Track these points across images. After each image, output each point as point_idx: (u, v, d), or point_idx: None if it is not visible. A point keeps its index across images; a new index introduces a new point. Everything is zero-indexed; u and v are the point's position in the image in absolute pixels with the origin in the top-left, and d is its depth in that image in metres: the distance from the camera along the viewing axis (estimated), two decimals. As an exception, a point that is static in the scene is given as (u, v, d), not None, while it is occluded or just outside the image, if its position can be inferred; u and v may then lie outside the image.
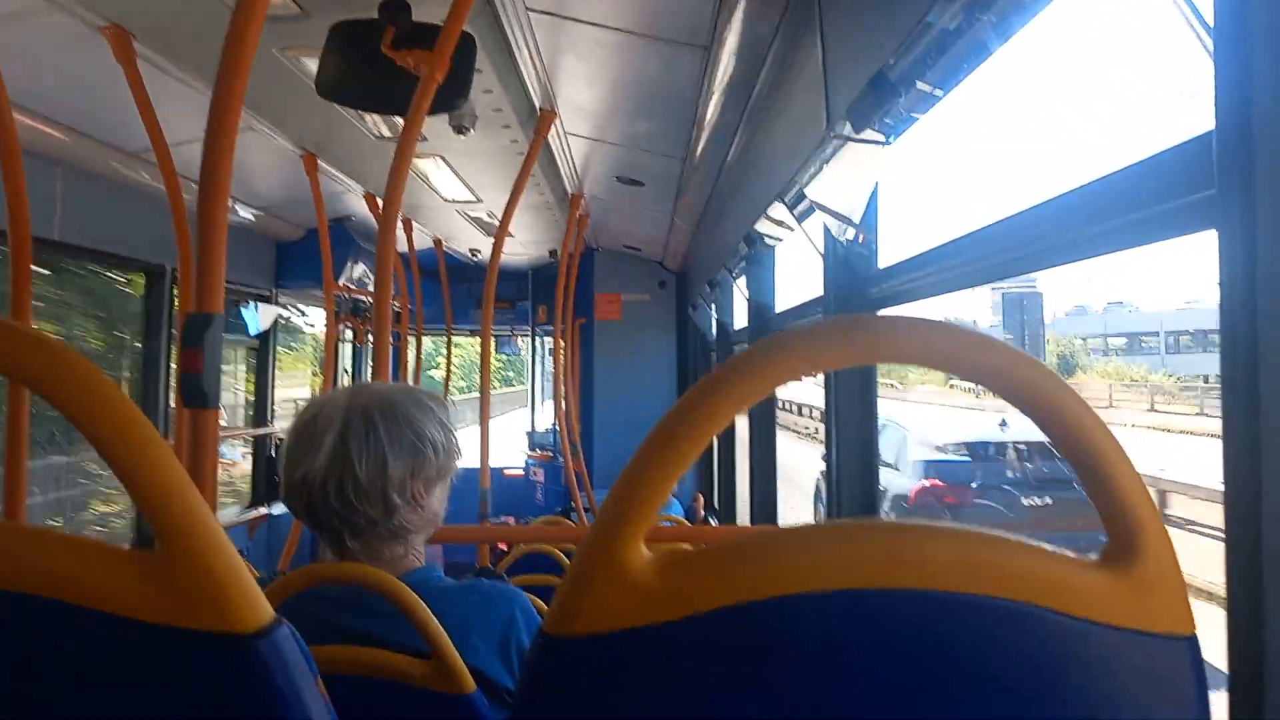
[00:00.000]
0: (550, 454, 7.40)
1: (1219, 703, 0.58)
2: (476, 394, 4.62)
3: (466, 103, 2.33)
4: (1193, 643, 0.54)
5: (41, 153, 3.21)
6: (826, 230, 2.14)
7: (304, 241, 5.50)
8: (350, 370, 7.15)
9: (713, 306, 5.09)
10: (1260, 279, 0.73)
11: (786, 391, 18.76)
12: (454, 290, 6.48)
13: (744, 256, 3.66)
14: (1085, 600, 0.53)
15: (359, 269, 5.94)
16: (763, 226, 3.23)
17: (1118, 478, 0.53)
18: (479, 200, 4.82)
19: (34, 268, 2.29)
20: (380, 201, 2.68)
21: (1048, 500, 8.83)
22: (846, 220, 1.96)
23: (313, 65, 2.37)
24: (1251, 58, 0.74)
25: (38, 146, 3.15)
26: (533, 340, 8.61)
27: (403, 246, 5.58)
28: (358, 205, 4.89)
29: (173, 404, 4.16)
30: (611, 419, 6.80)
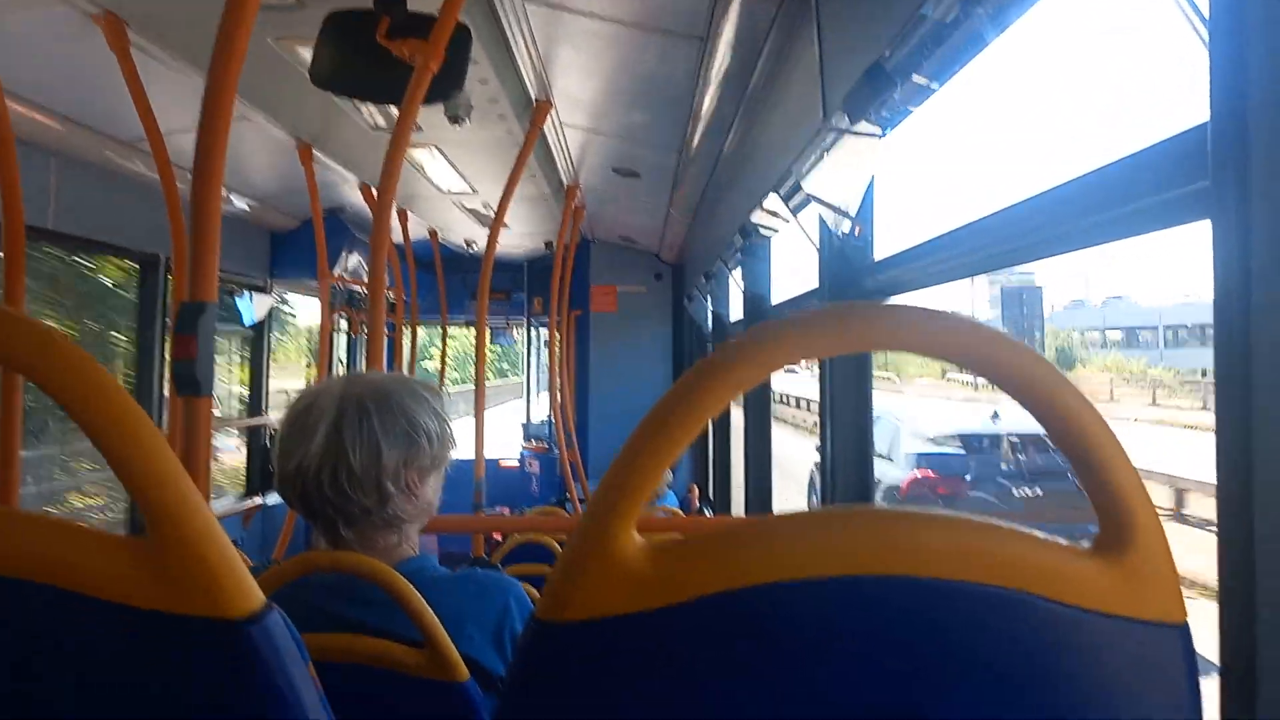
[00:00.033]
0: (545, 445, 7.41)
1: (1210, 690, 0.59)
2: (470, 385, 4.62)
3: (462, 93, 2.32)
4: (1184, 630, 0.54)
5: (36, 142, 3.19)
6: (822, 222, 2.14)
7: (299, 232, 5.49)
8: (345, 361, 7.15)
9: (708, 298, 5.09)
10: (1254, 270, 0.74)
11: (781, 384, 18.80)
12: (449, 281, 6.46)
13: (739, 248, 3.66)
14: (1077, 587, 0.53)
15: (354, 260, 5.92)
16: (758, 218, 3.23)
17: (1111, 465, 0.53)
18: (474, 191, 4.80)
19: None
20: (375, 192, 2.67)
21: (1039, 491, 8.89)
22: (842, 213, 1.96)
23: (307, 54, 2.36)
24: (1246, 49, 0.74)
25: (32, 136, 3.14)
26: (528, 332, 8.61)
27: (398, 237, 5.57)
28: (353, 196, 4.87)
29: (167, 393, 4.15)
30: (607, 411, 6.80)
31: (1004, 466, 9.30)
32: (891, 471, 9.20)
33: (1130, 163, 0.98)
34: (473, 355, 3.81)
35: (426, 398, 1.29)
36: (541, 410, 7.98)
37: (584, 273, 6.86)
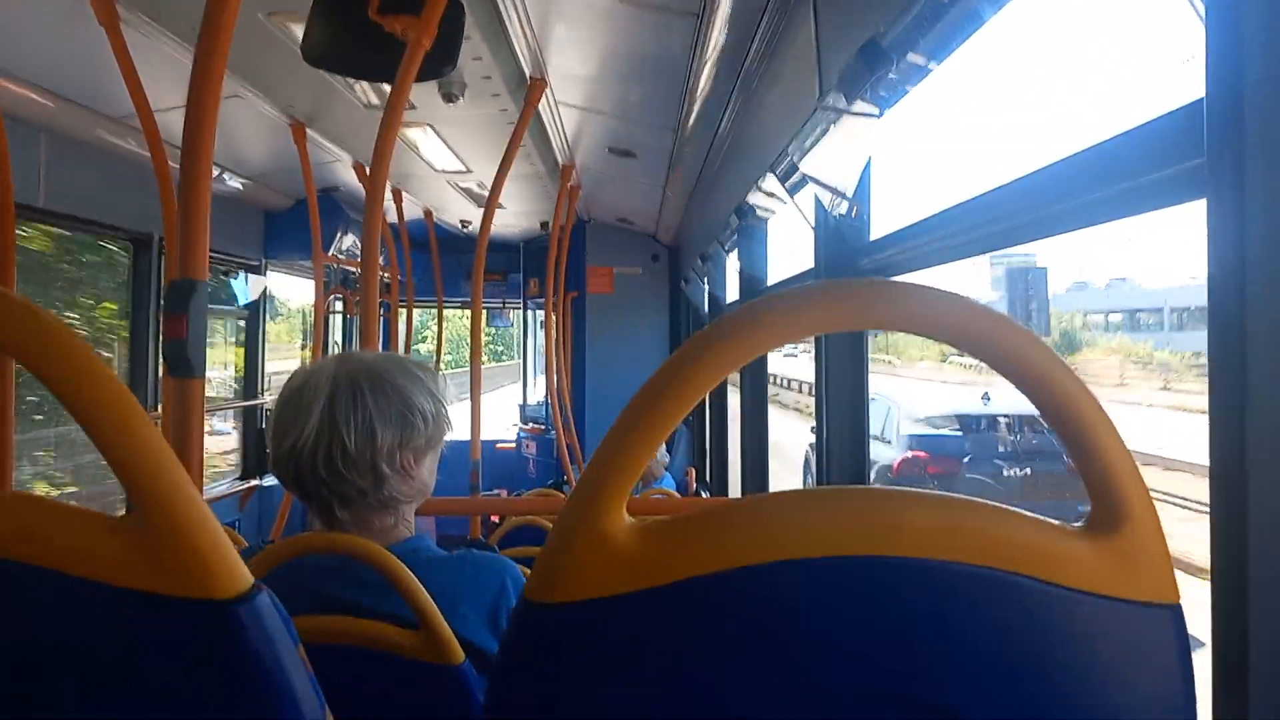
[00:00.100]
0: (543, 427, 7.41)
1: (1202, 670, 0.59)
2: (463, 368, 4.61)
3: (455, 70, 2.30)
4: (1176, 611, 0.54)
5: (25, 118, 3.16)
6: (818, 202, 2.13)
7: (293, 211, 5.46)
8: (341, 343, 7.14)
9: (705, 280, 5.08)
10: (1250, 249, 0.73)
11: (782, 368, 18.80)
12: (445, 262, 6.44)
13: (736, 229, 3.64)
14: (1068, 568, 0.53)
15: (349, 240, 5.90)
16: (755, 199, 3.22)
17: (1104, 446, 0.53)
18: (469, 170, 4.78)
19: None
20: (369, 171, 2.66)
21: (1028, 471, 9.02)
22: (839, 193, 1.95)
23: (299, 31, 2.34)
24: (1243, 24, 0.73)
25: (21, 112, 3.11)
26: (524, 313, 8.59)
27: (393, 217, 5.54)
28: (347, 175, 4.85)
29: (161, 375, 4.14)
30: (603, 393, 6.80)
31: (994, 447, 9.38)
32: (886, 452, 9.28)
33: (1125, 140, 0.97)
34: (467, 339, 3.81)
35: (421, 377, 1.28)
36: (539, 392, 7.98)
37: (580, 254, 6.84)
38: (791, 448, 10.85)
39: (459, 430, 1.61)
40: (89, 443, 0.54)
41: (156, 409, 3.96)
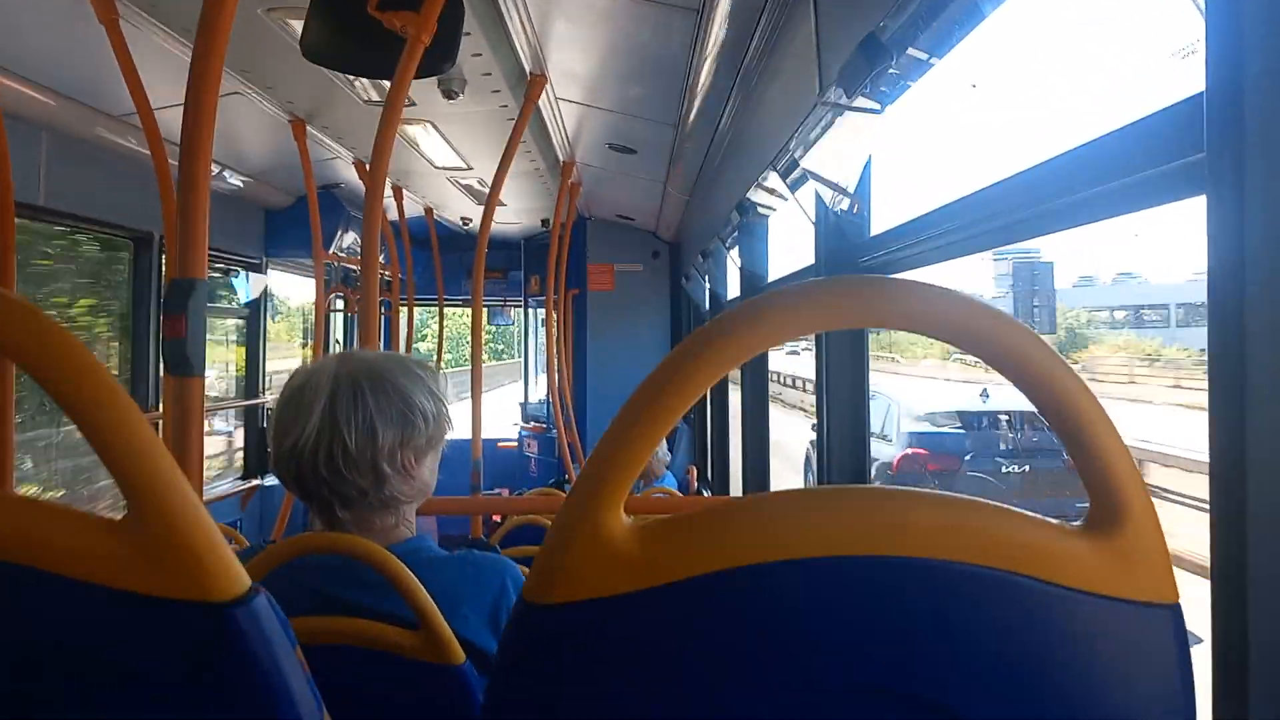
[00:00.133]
0: (544, 426, 7.41)
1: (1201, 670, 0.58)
2: (462, 367, 4.61)
3: (455, 66, 2.29)
4: (1176, 611, 0.54)
5: (25, 117, 3.16)
6: (819, 198, 2.13)
7: (293, 209, 5.45)
8: (342, 341, 7.14)
9: (706, 277, 5.07)
10: (1249, 245, 0.73)
11: (787, 366, 18.78)
12: (446, 260, 6.43)
13: (736, 226, 3.64)
14: (1067, 568, 0.53)
15: (350, 238, 5.89)
16: (755, 195, 3.21)
17: (1102, 444, 0.52)
18: (469, 167, 4.77)
19: None
20: (369, 168, 2.66)
21: (1026, 468, 9.08)
22: (840, 189, 1.95)
23: (298, 27, 2.33)
24: (1243, 18, 0.73)
25: (21, 110, 3.11)
26: (525, 311, 8.58)
27: (393, 215, 5.53)
28: (348, 172, 4.84)
29: (162, 374, 4.14)
30: (605, 390, 6.80)
31: (1002, 445, 9.41)
32: (886, 450, 9.32)
33: (1124, 135, 0.97)
34: (464, 337, 3.80)
35: (422, 376, 1.27)
36: (540, 390, 7.97)
37: (581, 251, 6.84)
38: (794, 447, 10.85)
39: (460, 429, 1.61)
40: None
41: (158, 408, 3.97)
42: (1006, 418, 9.44)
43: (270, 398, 5.68)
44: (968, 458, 9.28)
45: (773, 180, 2.70)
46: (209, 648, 0.54)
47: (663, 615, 0.53)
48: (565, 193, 4.85)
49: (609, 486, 0.53)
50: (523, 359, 9.06)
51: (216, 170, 4.38)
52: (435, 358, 7.07)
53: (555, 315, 6.02)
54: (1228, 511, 0.75)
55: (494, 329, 11.54)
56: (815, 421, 2.29)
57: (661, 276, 7.00)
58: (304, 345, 7.15)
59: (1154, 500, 0.54)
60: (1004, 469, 9.11)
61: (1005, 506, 0.54)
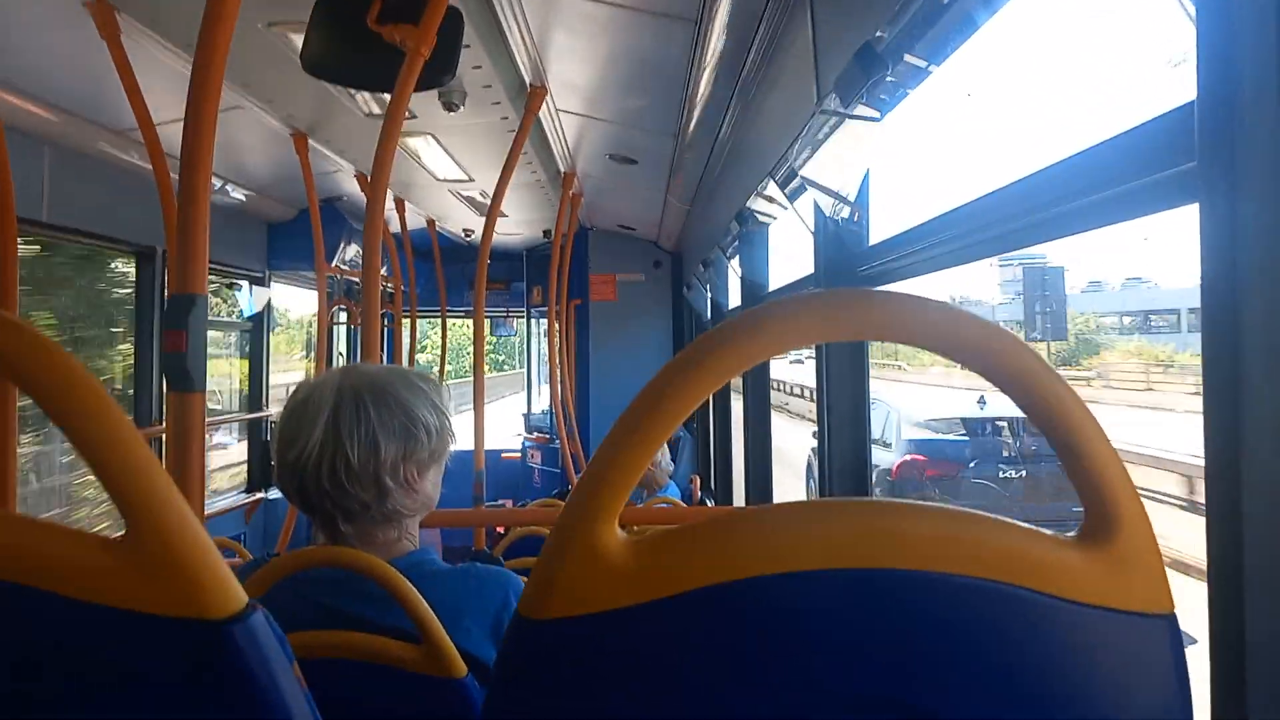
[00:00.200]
0: (547, 436, 7.40)
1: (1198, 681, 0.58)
2: (464, 378, 4.62)
3: (455, 79, 2.30)
4: (1171, 621, 0.53)
5: (28, 131, 3.18)
6: (817, 207, 2.13)
7: (296, 222, 5.47)
8: (345, 354, 7.14)
9: (707, 286, 5.08)
10: (1242, 253, 0.73)
11: (791, 374, 18.75)
12: (448, 271, 6.44)
13: (737, 235, 3.64)
14: (1063, 578, 0.53)
15: (353, 250, 5.91)
16: (755, 204, 3.22)
17: (1095, 454, 0.52)
18: (471, 179, 4.79)
19: None
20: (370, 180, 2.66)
21: (1024, 473, 9.15)
22: (840, 198, 1.95)
23: (299, 41, 2.35)
24: (1235, 26, 0.73)
25: (24, 125, 3.12)
26: (528, 322, 8.59)
27: (395, 227, 5.55)
28: (350, 185, 4.86)
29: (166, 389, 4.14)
30: (608, 401, 6.80)
31: (1004, 452, 9.43)
32: (887, 456, 9.36)
33: (1116, 144, 0.97)
34: (465, 348, 3.81)
35: (424, 389, 1.27)
36: (543, 401, 7.97)
37: (583, 261, 6.85)
38: (799, 455, 10.84)
39: (462, 440, 1.61)
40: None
41: (162, 423, 3.97)
42: (1006, 424, 9.48)
43: (273, 411, 5.69)
44: (970, 464, 9.31)
45: (772, 189, 2.70)
46: (206, 665, 0.54)
47: (661, 629, 0.53)
48: (566, 203, 4.86)
49: (603, 500, 0.53)
50: (525, 370, 9.07)
51: (219, 184, 4.39)
52: (437, 368, 7.08)
53: (557, 326, 6.02)
54: (1223, 513, 0.75)
55: (495, 340, 11.55)
56: (816, 429, 2.29)
57: (663, 286, 7.01)
58: (306, 358, 7.16)
59: (1184, 514, 0.54)
60: (1003, 474, 9.16)
61: (1002, 519, 0.54)
